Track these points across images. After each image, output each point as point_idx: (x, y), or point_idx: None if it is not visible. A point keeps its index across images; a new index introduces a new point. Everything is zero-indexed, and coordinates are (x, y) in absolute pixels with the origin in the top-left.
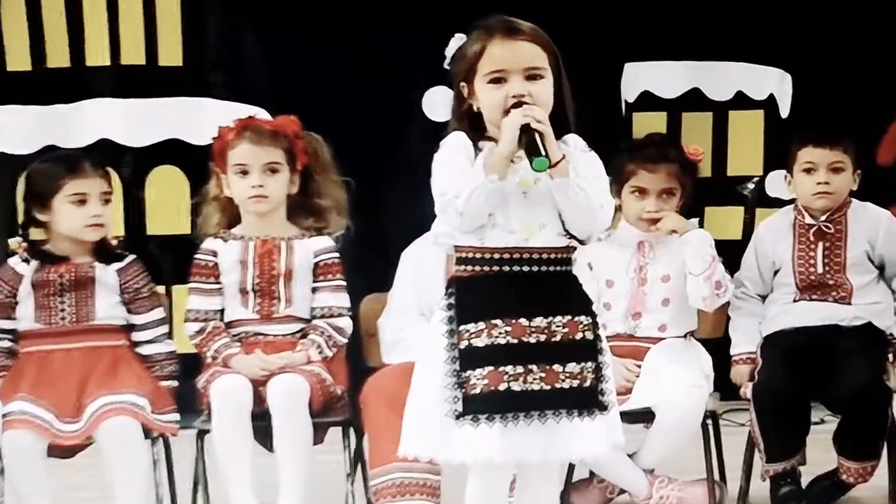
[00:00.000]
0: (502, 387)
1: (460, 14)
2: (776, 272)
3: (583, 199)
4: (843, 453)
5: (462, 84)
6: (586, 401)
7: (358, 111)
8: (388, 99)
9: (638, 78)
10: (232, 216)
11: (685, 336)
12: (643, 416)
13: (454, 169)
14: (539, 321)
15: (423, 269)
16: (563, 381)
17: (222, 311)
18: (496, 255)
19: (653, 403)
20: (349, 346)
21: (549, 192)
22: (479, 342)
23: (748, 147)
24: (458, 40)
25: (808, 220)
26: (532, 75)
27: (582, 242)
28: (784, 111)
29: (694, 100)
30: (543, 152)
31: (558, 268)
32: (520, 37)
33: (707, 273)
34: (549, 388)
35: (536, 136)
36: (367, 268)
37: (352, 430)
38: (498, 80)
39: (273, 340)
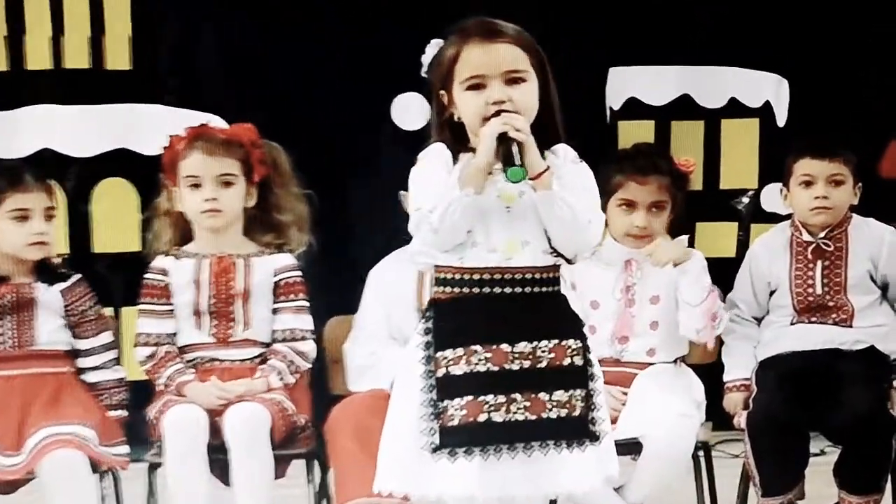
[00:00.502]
0: (482, 418)
1: (433, 15)
2: (772, 293)
3: (568, 214)
4: (845, 487)
5: (441, 92)
6: (576, 431)
7: (320, 118)
8: (353, 105)
9: (624, 84)
10: (185, 232)
11: (675, 361)
12: (630, 448)
13: (431, 183)
14: (523, 346)
15: (393, 289)
16: (550, 410)
17: (175, 334)
18: (476, 276)
19: (640, 434)
20: (313, 372)
21: (534, 206)
22: (458, 370)
23: (742, 158)
24: (434, 46)
25: (806, 236)
26: (513, 79)
27: (569, 261)
28: (781, 120)
29: (684, 107)
30: (519, 162)
31: (544, 288)
32: (498, 39)
33: (704, 305)
34: (534, 418)
35: (514, 145)
36: (332, 288)
37: (316, 464)
38: (476, 87)
39: (230, 366)
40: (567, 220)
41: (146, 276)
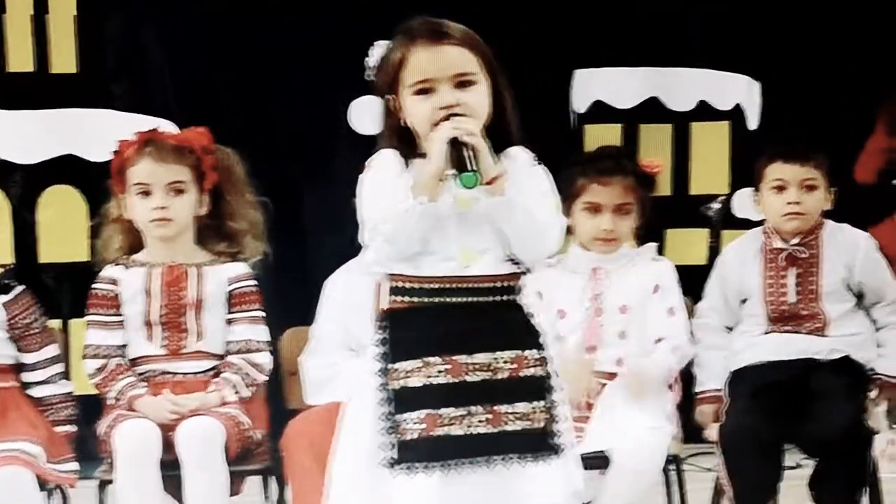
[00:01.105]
0: (440, 432)
1: (392, 16)
2: (743, 301)
3: (525, 219)
4: (821, 501)
5: (389, 97)
6: (538, 444)
7: (276, 123)
8: (310, 109)
9: (589, 86)
10: (135, 240)
11: None
12: (599, 462)
13: (381, 191)
14: (481, 357)
15: (350, 298)
16: (511, 422)
17: (125, 346)
18: (433, 285)
19: (608, 447)
20: (269, 385)
21: (491, 213)
22: (414, 382)
23: (713, 162)
24: (379, 48)
25: (779, 243)
26: (462, 82)
27: (527, 270)
28: (752, 123)
29: (652, 110)
30: (472, 167)
31: (503, 297)
32: (445, 41)
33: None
34: (495, 431)
35: (466, 149)
36: (288, 298)
37: (273, 479)
38: (425, 91)
39: (182, 380)
40: (524, 225)
41: (95, 286)
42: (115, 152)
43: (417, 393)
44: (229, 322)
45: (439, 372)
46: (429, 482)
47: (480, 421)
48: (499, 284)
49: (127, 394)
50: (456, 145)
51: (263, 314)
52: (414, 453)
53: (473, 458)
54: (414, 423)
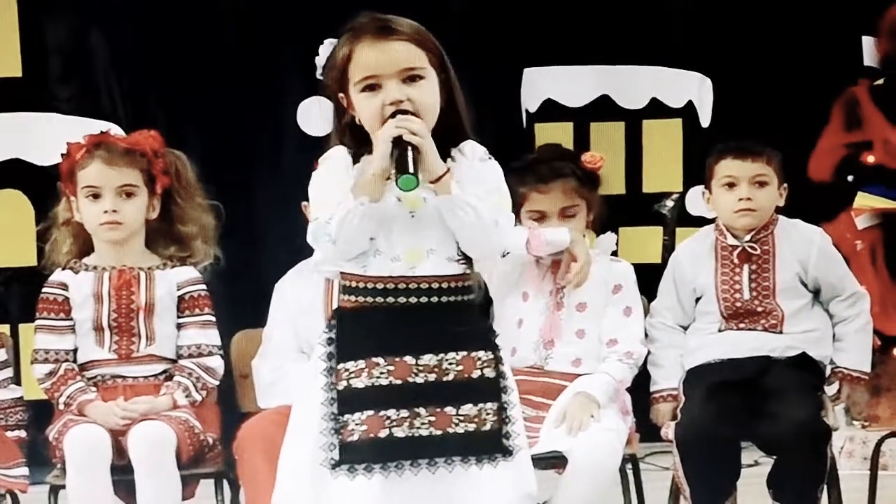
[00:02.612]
0: (383, 433)
1: (340, 17)
2: (698, 299)
3: (472, 217)
4: (779, 499)
5: (339, 95)
6: (486, 446)
7: (226, 125)
8: (260, 111)
9: (540, 85)
10: (85, 243)
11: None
12: (555, 462)
13: (329, 190)
14: (428, 359)
15: (301, 301)
16: (457, 425)
17: (75, 350)
18: (380, 285)
19: (565, 448)
20: (221, 389)
21: (439, 212)
22: (359, 383)
23: (665, 160)
24: (328, 46)
25: (731, 240)
26: (410, 77)
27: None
28: (705, 120)
29: (604, 108)
30: (412, 168)
31: (451, 298)
32: (392, 36)
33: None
34: (439, 433)
35: (409, 149)
36: (239, 301)
37: (226, 483)
38: (372, 87)
39: (133, 384)
40: (470, 222)
41: (44, 290)
42: (65, 155)
43: (362, 394)
44: (180, 326)
45: (383, 373)
46: (369, 484)
47: (424, 423)
48: (446, 285)
49: (77, 399)
50: (399, 144)
51: (213, 318)
52: (356, 455)
53: (416, 461)
54: (357, 424)
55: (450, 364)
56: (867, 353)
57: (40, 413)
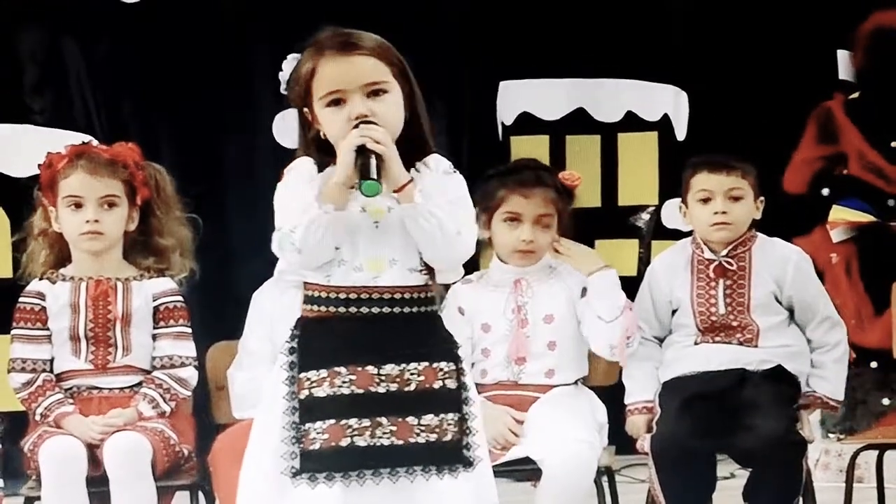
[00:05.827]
0: (344, 442)
1: (313, 30)
2: (674, 312)
3: (434, 227)
4: None
5: (304, 109)
6: (446, 456)
7: (204, 138)
8: (235, 123)
9: (515, 98)
10: (61, 254)
11: (576, 383)
12: (530, 474)
13: (292, 199)
14: (390, 369)
15: (276, 312)
16: (418, 434)
17: (51, 360)
18: (342, 295)
19: (538, 457)
20: (197, 401)
21: (402, 222)
22: (321, 392)
23: (641, 173)
24: (291, 61)
25: (708, 254)
26: (374, 91)
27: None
28: (680, 133)
29: (579, 121)
30: (375, 175)
31: (414, 308)
32: (355, 51)
33: (619, 322)
34: (401, 443)
35: (372, 157)
36: (215, 313)
37: (201, 495)
38: (336, 102)
39: (109, 395)
40: (432, 232)
41: (21, 299)
42: (47, 165)
43: (323, 403)
44: (155, 338)
45: (345, 382)
46: (330, 493)
47: (386, 432)
48: (408, 296)
49: (55, 411)
50: (363, 153)
51: (189, 329)
52: (316, 463)
53: (377, 471)
54: (318, 432)
55: (412, 374)
56: (843, 382)
57: (15, 424)
